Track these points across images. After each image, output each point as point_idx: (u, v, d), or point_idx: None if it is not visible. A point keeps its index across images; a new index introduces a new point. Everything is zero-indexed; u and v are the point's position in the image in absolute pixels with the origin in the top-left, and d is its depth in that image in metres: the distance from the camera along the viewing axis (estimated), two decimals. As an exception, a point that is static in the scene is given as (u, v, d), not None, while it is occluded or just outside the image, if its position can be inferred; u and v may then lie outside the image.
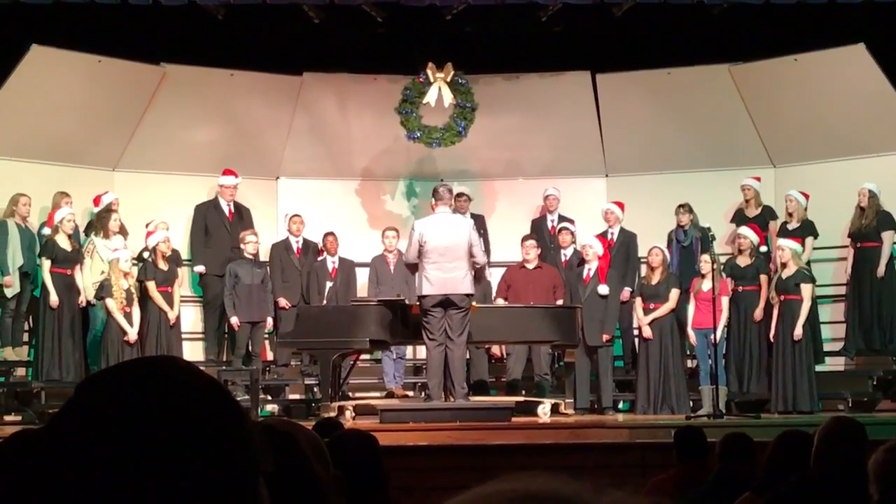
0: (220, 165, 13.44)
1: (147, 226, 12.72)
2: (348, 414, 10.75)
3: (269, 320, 12.87)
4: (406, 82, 13.62)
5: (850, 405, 11.83)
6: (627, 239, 13.13)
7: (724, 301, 11.77)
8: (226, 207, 13.36)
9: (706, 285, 11.71)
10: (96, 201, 12.67)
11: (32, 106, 12.57)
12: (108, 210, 12.48)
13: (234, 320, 12.61)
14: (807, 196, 12.71)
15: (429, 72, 13.39)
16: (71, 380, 11.59)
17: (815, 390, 11.61)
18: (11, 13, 11.82)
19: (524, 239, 12.78)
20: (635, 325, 12.56)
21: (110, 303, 11.66)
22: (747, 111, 13.70)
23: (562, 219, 13.50)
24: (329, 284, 12.95)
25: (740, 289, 12.08)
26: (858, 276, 12.41)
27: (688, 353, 12.38)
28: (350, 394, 12.65)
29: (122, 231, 12.59)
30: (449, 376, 10.39)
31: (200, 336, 13.40)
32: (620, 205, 13.26)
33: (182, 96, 13.49)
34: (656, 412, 11.82)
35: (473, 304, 10.66)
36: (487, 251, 12.73)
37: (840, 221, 12.69)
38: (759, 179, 13.13)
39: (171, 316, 12.15)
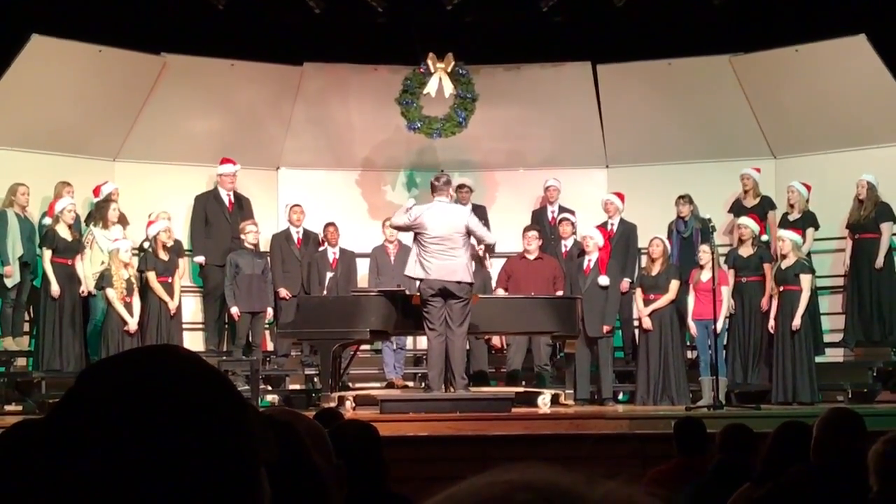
0: (221, 156, 13.43)
1: (150, 216, 12.72)
2: (348, 404, 10.76)
3: (270, 310, 12.88)
4: (407, 73, 13.61)
5: (850, 396, 11.84)
6: (628, 230, 13.13)
7: (724, 291, 11.77)
8: (226, 197, 13.36)
9: (706, 276, 11.71)
10: (96, 191, 12.67)
11: (33, 96, 12.56)
12: (107, 200, 12.48)
13: (235, 310, 12.62)
14: (808, 187, 12.71)
15: (429, 62, 13.38)
16: (71, 370, 11.60)
17: (814, 381, 11.62)
18: (12, 3, 11.82)
19: (526, 229, 12.78)
20: (635, 316, 12.57)
21: (110, 293, 11.67)
22: (748, 102, 13.69)
23: (562, 209, 13.49)
24: (329, 275, 12.95)
25: (743, 279, 12.08)
26: (857, 268, 12.41)
27: (688, 343, 12.39)
28: (350, 384, 12.66)
29: (122, 221, 12.59)
30: (449, 367, 10.40)
31: (201, 326, 13.41)
32: (621, 196, 13.26)
33: (183, 86, 13.48)
34: (656, 403, 11.83)
35: (475, 294, 10.67)
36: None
37: (840, 212, 12.68)
38: (758, 170, 13.13)
39: (172, 306, 12.16)
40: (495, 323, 11.38)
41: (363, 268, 13.40)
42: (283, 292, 13.00)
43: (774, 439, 4.79)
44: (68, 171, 12.65)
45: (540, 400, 11.18)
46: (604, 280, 12.23)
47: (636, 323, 12.56)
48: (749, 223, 12.22)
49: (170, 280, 12.23)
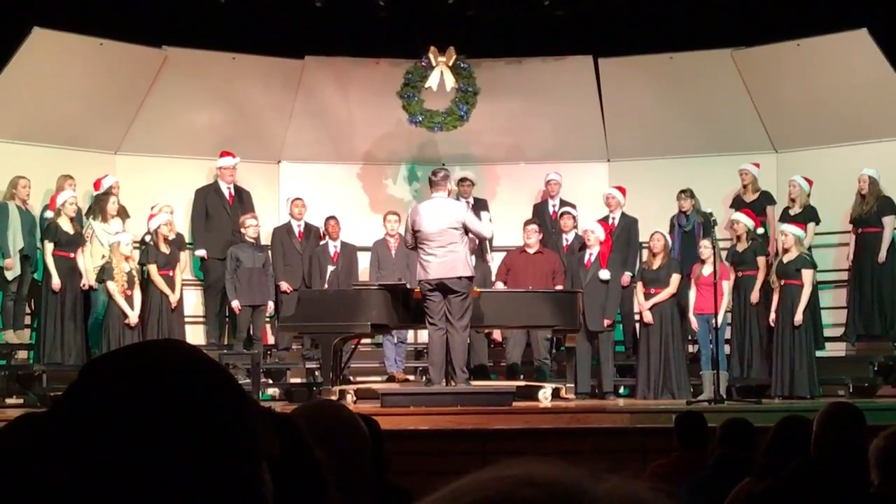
0: (222, 149, 13.42)
1: (152, 208, 12.72)
2: (349, 398, 10.77)
3: (271, 304, 12.88)
4: (408, 66, 13.61)
5: (851, 391, 11.84)
6: (629, 224, 13.13)
7: (726, 286, 11.78)
8: (226, 191, 13.36)
9: (707, 270, 11.72)
10: (96, 185, 12.67)
11: (34, 89, 12.56)
12: (107, 194, 12.48)
13: (235, 304, 12.62)
14: (810, 182, 12.70)
15: (431, 56, 13.38)
16: (72, 363, 11.61)
17: (815, 376, 11.63)
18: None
19: (526, 223, 12.77)
20: (636, 310, 12.57)
21: (111, 286, 11.67)
22: (749, 96, 13.68)
23: (563, 203, 13.49)
24: (331, 268, 12.95)
25: (740, 274, 12.10)
26: (860, 262, 12.41)
27: (689, 338, 12.39)
28: (351, 378, 12.65)
29: (122, 214, 12.59)
30: (450, 361, 10.40)
31: (202, 320, 13.41)
32: (622, 190, 13.25)
33: (184, 80, 13.47)
34: (657, 397, 11.84)
35: (475, 288, 10.67)
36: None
37: (841, 207, 12.68)
38: (758, 165, 13.13)
39: (173, 299, 12.16)
40: (496, 317, 11.37)
41: (364, 261, 13.40)
42: (285, 286, 13.00)
43: (775, 433, 4.79)
44: (70, 164, 12.65)
45: (541, 394, 11.19)
46: (605, 274, 12.22)
47: (637, 317, 12.56)
48: (742, 218, 12.22)
49: (171, 273, 12.23)
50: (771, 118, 13.69)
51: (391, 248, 13.03)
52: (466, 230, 10.30)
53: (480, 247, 10.98)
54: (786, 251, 11.83)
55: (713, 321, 11.49)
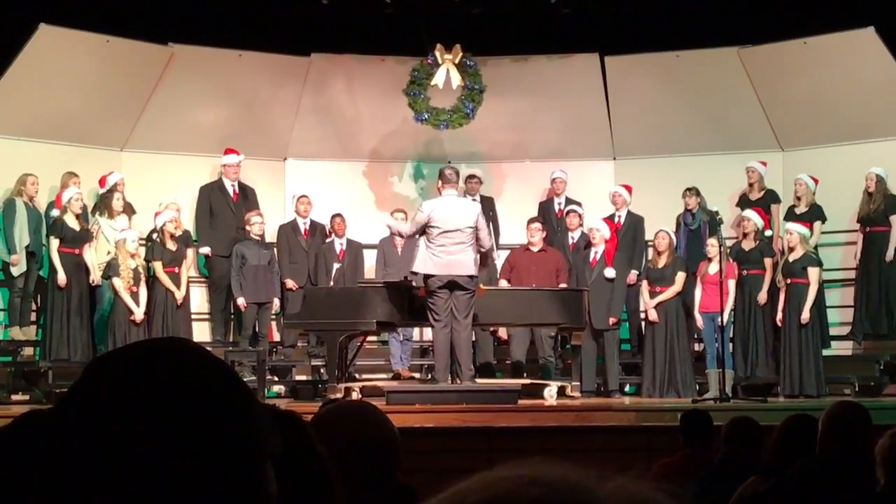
0: (228, 146, 13.43)
1: (159, 205, 12.72)
2: (355, 395, 10.77)
3: (276, 301, 12.89)
4: (414, 64, 13.61)
5: (857, 389, 11.83)
6: (634, 222, 13.12)
7: (731, 284, 11.77)
8: (230, 188, 13.36)
9: (713, 268, 11.71)
10: (102, 182, 12.67)
11: (40, 86, 12.56)
12: (112, 190, 12.49)
13: (241, 301, 12.62)
14: (816, 181, 12.68)
15: (437, 53, 13.38)
16: (78, 359, 11.62)
17: (821, 374, 11.61)
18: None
19: (529, 221, 12.77)
20: (642, 308, 12.56)
21: (117, 282, 11.69)
22: (756, 94, 13.66)
23: (569, 201, 13.48)
24: (336, 266, 12.95)
25: (745, 272, 12.08)
26: (867, 261, 12.39)
27: (694, 336, 12.38)
28: (356, 375, 12.67)
29: (127, 211, 12.60)
30: (455, 358, 10.41)
31: (207, 317, 13.42)
32: (628, 188, 13.25)
33: (190, 77, 13.48)
34: (662, 395, 11.83)
35: (481, 285, 10.67)
36: (496, 233, 12.76)
37: (848, 205, 12.66)
38: (765, 164, 13.12)
39: (179, 296, 12.17)
40: (502, 315, 11.37)
41: (370, 259, 13.40)
42: (290, 283, 13.00)
43: (781, 432, 4.79)
44: (76, 161, 12.66)
45: (546, 392, 11.19)
46: (610, 272, 12.22)
47: (642, 315, 12.55)
48: (753, 216, 12.20)
49: (177, 270, 12.24)
50: (777, 116, 13.67)
51: (397, 245, 13.02)
52: (476, 232, 10.33)
53: (485, 258, 10.98)
54: (791, 250, 11.81)
55: (719, 319, 11.48)
